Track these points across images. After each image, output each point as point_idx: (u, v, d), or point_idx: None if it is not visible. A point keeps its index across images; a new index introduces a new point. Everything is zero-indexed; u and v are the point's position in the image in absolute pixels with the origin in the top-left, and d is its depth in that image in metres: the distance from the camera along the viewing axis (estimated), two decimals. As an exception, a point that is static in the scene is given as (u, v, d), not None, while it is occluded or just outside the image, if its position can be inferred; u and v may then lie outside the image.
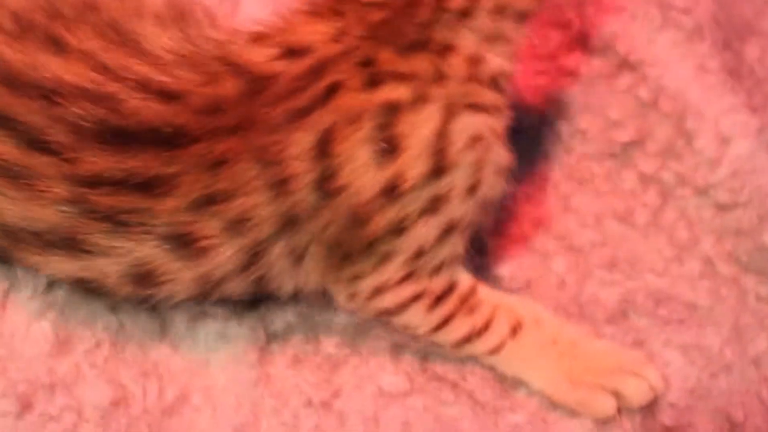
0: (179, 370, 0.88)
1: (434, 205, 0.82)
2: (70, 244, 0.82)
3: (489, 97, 0.84)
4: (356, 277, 0.85)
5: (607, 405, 0.85)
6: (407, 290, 0.85)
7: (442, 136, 0.81)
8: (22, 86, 0.81)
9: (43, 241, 0.83)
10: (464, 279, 0.88)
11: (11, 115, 0.81)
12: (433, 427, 0.85)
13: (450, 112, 0.81)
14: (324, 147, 0.79)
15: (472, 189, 0.83)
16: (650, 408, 0.86)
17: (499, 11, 0.84)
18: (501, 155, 0.84)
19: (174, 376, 0.87)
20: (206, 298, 0.86)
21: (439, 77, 0.82)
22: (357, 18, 0.82)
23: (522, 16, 0.86)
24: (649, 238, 0.97)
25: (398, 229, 0.82)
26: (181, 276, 0.83)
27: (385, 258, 0.83)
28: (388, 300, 0.85)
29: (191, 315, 0.91)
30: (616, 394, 0.86)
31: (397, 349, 0.89)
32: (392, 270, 0.84)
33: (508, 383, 0.88)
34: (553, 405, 0.87)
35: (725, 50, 1.07)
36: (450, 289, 0.86)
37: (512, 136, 0.86)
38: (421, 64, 0.81)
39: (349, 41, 0.81)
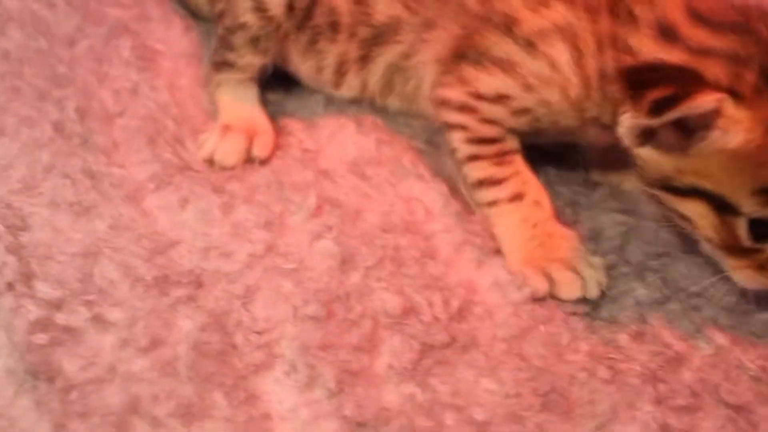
0: (455, 284, 0.95)
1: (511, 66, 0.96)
2: None
3: None
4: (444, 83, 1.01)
5: (538, 284, 0.95)
6: (459, 118, 1.00)
7: None
8: None
9: None
10: (511, 142, 1.01)
11: None
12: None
13: None
14: None
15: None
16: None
17: None
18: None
19: (453, 290, 0.94)
20: None
21: None
22: None
23: None
24: None
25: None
26: None
27: (464, 78, 0.99)
28: (445, 114, 1.01)
29: (456, 243, 0.99)
30: (550, 280, 0.96)
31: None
32: (458, 93, 0.99)
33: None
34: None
35: None
36: (493, 140, 1.00)
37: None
38: None
39: None
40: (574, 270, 0.96)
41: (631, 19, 0.91)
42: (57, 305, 0.88)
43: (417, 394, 0.85)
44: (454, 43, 1.00)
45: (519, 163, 1.01)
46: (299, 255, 0.95)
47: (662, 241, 1.02)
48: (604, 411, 0.86)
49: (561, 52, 0.93)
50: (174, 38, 1.21)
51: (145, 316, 0.87)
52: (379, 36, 1.04)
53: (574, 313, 0.95)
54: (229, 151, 1.05)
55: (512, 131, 1.00)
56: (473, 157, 1.01)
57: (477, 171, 1.01)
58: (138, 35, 1.19)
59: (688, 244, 0.98)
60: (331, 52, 1.08)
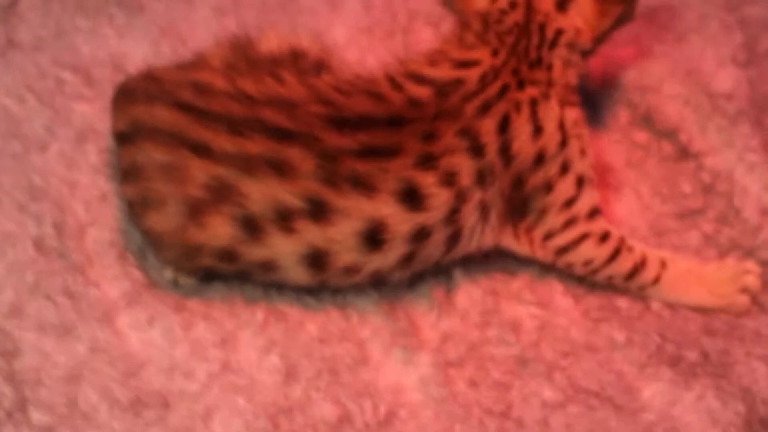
0: (384, 389, 1.13)
1: (565, 166, 1.15)
2: (315, 209, 1.07)
3: (575, 98, 1.19)
4: (528, 229, 1.17)
5: (746, 300, 1.20)
6: (573, 232, 1.17)
7: (562, 119, 1.15)
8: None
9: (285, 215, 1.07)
10: (614, 229, 1.19)
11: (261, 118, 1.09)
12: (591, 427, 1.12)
13: (561, 104, 1.16)
14: (504, 127, 1.12)
15: (582, 152, 1.17)
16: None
17: (571, 45, 1.18)
18: (586, 134, 1.18)
19: (382, 396, 1.13)
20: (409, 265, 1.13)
21: (550, 83, 1.16)
22: (499, 38, 1.17)
23: (585, 54, 1.21)
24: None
25: (547, 186, 1.14)
26: (401, 230, 1.09)
27: (543, 211, 1.15)
28: (558, 241, 1.17)
29: (385, 345, 1.17)
30: (745, 290, 1.20)
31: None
32: (552, 219, 1.16)
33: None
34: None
35: (758, 126, 1.37)
36: (608, 233, 1.18)
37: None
38: (540, 74, 1.16)
39: (503, 56, 1.16)
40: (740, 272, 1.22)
41: None
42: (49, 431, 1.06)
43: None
44: None
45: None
46: (250, 371, 1.13)
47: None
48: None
49: None
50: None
51: (122, 437, 1.05)
52: None
53: (490, 412, 1.13)
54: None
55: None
56: (614, 254, 1.19)
57: (622, 264, 1.19)
58: (104, 136, 1.32)
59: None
60: None
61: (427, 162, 1.09)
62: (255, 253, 1.10)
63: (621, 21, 1.23)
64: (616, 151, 1.36)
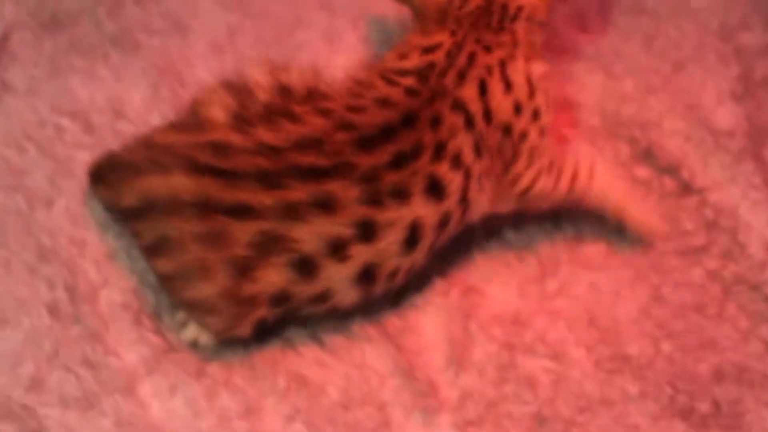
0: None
1: (536, 114, 1.20)
2: (365, 231, 1.10)
3: (540, 55, 1.24)
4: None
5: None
6: (532, 170, 1.21)
7: (528, 74, 1.20)
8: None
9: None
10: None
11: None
12: None
13: (527, 60, 1.21)
14: (482, 91, 1.17)
15: (547, 105, 1.21)
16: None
17: (529, 18, 1.23)
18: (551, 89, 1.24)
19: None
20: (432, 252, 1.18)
21: (516, 43, 1.21)
22: (457, 21, 1.21)
23: (542, 24, 1.26)
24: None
25: (523, 135, 1.19)
26: (431, 222, 1.13)
27: (514, 156, 1.20)
28: (524, 181, 1.21)
29: (405, 408, 1.19)
30: None
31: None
32: (520, 164, 1.20)
33: None
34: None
35: (758, 161, 1.39)
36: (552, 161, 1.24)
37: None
38: (505, 37, 1.21)
39: (462, 32, 1.20)
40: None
41: None
42: None
43: None
44: None
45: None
46: (276, 440, 1.14)
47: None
48: None
49: None
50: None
51: None
52: None
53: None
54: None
55: None
56: (558, 173, 1.25)
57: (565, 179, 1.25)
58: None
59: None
60: None
61: (441, 151, 1.13)
62: (310, 289, 1.12)
63: None
64: (617, 188, 1.38)
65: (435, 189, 1.13)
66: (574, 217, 1.34)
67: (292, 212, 1.08)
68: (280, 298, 1.11)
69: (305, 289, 1.11)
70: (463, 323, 1.24)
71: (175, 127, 1.20)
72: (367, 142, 1.11)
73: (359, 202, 1.09)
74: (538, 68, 1.23)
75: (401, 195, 1.11)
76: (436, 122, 1.14)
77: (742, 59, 1.47)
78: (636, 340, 1.26)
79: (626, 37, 1.50)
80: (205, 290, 1.10)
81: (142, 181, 1.14)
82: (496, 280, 1.29)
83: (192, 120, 1.20)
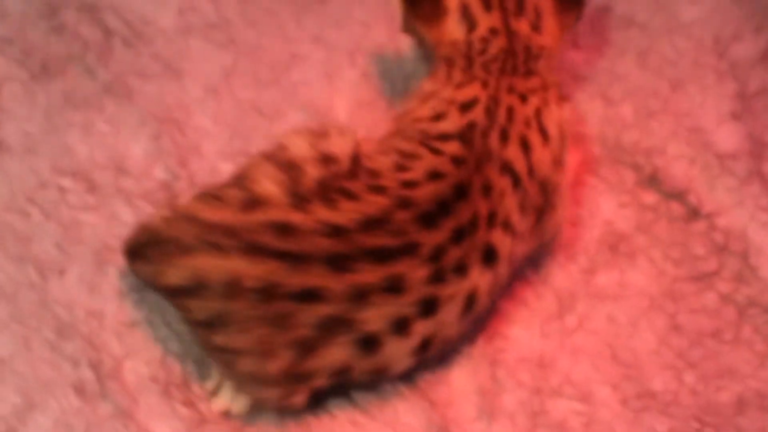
0: None
1: (564, 163, 1.23)
2: (427, 308, 1.11)
3: (563, 93, 1.27)
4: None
5: None
6: (560, 215, 1.26)
7: (560, 121, 1.22)
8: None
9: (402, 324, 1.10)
10: None
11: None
12: None
13: (558, 104, 1.23)
14: (525, 147, 1.18)
15: (569, 146, 1.25)
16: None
17: (548, 56, 1.26)
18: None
19: None
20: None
21: (545, 87, 1.23)
22: (485, 68, 1.22)
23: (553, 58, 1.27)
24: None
25: (556, 186, 1.22)
26: (485, 287, 1.15)
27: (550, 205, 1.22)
28: (554, 228, 1.26)
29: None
30: None
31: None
32: (555, 212, 1.24)
33: None
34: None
35: (762, 180, 1.41)
36: None
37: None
38: (534, 81, 1.22)
39: (494, 82, 1.21)
40: None
41: None
42: None
43: None
44: None
45: None
46: None
47: None
48: None
49: None
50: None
51: None
52: None
53: None
54: (245, 400, 1.18)
55: None
56: None
57: None
58: (120, 256, 1.28)
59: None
60: None
61: (493, 218, 1.14)
62: (370, 363, 1.12)
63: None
64: (625, 216, 1.39)
65: (490, 257, 1.14)
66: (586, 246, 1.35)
67: (361, 296, 1.06)
68: (341, 372, 1.11)
69: (366, 363, 1.11)
70: (490, 370, 1.25)
71: (221, 200, 1.11)
72: (427, 219, 1.10)
73: (426, 282, 1.09)
74: (565, 111, 1.25)
75: (462, 269, 1.12)
76: (487, 190, 1.15)
77: (737, 73, 1.48)
78: (658, 374, 1.28)
79: (619, 54, 1.50)
80: (265, 367, 1.08)
81: (193, 260, 1.07)
82: (517, 322, 1.29)
83: (240, 194, 1.11)
